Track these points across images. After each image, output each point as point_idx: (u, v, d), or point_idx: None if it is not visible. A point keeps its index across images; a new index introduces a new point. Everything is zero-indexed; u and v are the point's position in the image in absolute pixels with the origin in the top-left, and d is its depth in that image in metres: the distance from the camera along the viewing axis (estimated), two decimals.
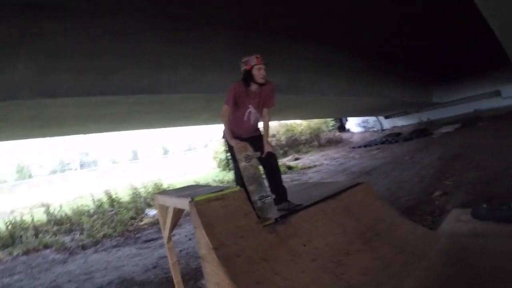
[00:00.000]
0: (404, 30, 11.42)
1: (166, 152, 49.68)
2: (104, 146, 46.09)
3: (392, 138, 20.72)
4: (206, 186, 4.12)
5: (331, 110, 18.67)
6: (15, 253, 7.88)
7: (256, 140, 3.92)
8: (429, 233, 4.20)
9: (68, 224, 10.07)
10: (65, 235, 9.18)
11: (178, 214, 3.72)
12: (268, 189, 3.76)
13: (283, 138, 23.76)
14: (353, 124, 28.47)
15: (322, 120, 26.88)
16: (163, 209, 4.00)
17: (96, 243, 8.01)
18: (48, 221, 10.37)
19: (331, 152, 20.99)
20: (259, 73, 3.77)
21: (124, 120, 10.16)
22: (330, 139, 26.02)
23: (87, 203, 12.09)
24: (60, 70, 5.86)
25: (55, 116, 7.71)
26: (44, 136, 11.34)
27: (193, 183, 12.88)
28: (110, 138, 42.06)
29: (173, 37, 7.26)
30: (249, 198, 3.40)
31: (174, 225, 3.88)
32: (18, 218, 10.20)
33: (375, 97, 15.72)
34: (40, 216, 10.79)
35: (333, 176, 12.00)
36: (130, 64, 6.75)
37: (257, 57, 3.80)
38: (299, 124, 25.96)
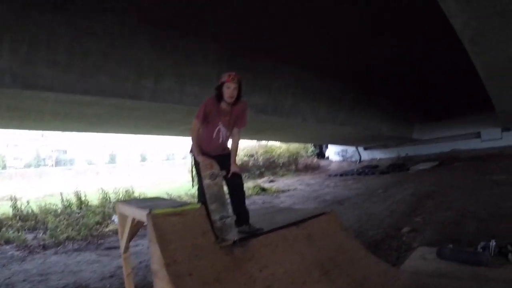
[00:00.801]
0: (391, 65, 11.74)
1: (144, 159, 49.41)
2: (82, 146, 45.69)
3: (369, 170, 21.02)
4: (171, 200, 4.05)
5: (312, 135, 18.89)
6: None
7: (224, 159, 3.79)
8: (391, 269, 4.16)
9: (33, 221, 9.90)
10: (29, 232, 9.03)
11: (138, 225, 3.63)
12: (230, 210, 3.66)
13: (260, 159, 23.99)
14: (332, 152, 28.78)
15: (302, 145, 27.28)
16: (123, 218, 3.91)
17: (58, 244, 7.83)
18: (14, 216, 10.20)
19: (307, 178, 21.17)
20: (227, 91, 3.66)
21: (104, 122, 10.18)
22: (307, 164, 26.33)
23: (57, 201, 11.85)
24: (42, 64, 5.90)
25: (34, 109, 7.67)
26: (21, 128, 11.24)
27: (165, 194, 12.78)
28: (90, 139, 41.72)
29: (159, 46, 7.34)
30: (209, 216, 3.33)
31: (133, 235, 3.79)
32: None
33: (355, 128, 15.96)
34: (6, 209, 10.67)
35: (305, 202, 12.01)
36: (114, 67, 6.81)
37: (229, 75, 3.69)
38: (279, 147, 26.38)
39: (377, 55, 10.97)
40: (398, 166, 20.96)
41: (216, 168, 3.57)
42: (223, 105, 3.75)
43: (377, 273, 3.90)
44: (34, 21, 5.64)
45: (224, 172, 3.66)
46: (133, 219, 3.58)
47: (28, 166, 40.77)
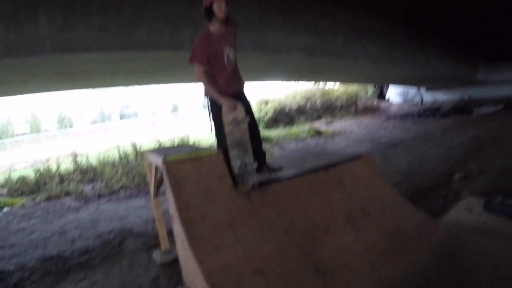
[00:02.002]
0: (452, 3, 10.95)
1: (205, 106, 50.47)
2: (145, 98, 47.06)
3: (430, 112, 20.09)
4: (196, 147, 4.07)
5: (366, 76, 18.20)
6: (38, 199, 8.16)
7: (242, 95, 3.68)
8: (429, 221, 3.86)
9: (92, 174, 10.35)
10: (87, 184, 9.48)
11: (160, 172, 3.65)
12: (252, 156, 3.48)
13: (318, 101, 23.34)
14: (393, 93, 27.78)
15: (361, 86, 26.68)
16: (150, 166, 3.97)
17: (112, 193, 8.22)
18: (74, 170, 10.65)
19: (366, 120, 20.69)
20: (219, 9, 3.42)
21: (151, 74, 10.40)
22: (367, 106, 25.65)
23: (116, 154, 12.34)
24: (78, 27, 6.13)
25: (79, 70, 8.00)
26: (74, 88, 11.73)
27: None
28: (152, 91, 42.85)
29: None
30: (228, 162, 3.27)
31: (160, 183, 3.83)
32: (51, 166, 10.65)
33: (412, 68, 15.29)
34: (69, 164, 11.19)
35: (359, 145, 11.78)
36: (150, 21, 6.89)
37: None
38: (337, 89, 25.72)
39: None
40: (460, 109, 19.83)
41: (239, 111, 3.42)
42: (216, 27, 3.53)
43: (412, 225, 3.62)
44: None
45: (248, 118, 3.47)
46: (156, 167, 3.60)
47: (94, 122, 42.84)
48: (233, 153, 3.34)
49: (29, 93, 10.45)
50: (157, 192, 4.06)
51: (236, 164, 3.32)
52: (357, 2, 10.25)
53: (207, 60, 3.48)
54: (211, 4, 3.43)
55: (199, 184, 2.91)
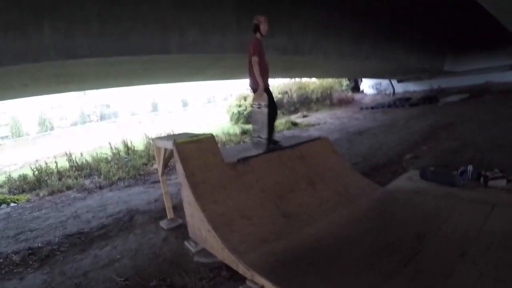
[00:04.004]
0: None
1: (185, 104, 50.58)
2: (124, 99, 47.11)
3: (400, 102, 21.25)
4: (193, 133, 5.17)
5: (339, 70, 19.12)
6: (41, 194, 8.96)
7: (269, 90, 5.31)
8: (371, 185, 5.15)
9: (88, 170, 11.22)
10: (85, 178, 10.29)
11: (170, 154, 4.73)
12: (266, 133, 5.07)
13: (295, 95, 24.33)
14: (367, 85, 28.83)
15: (336, 79, 27.47)
16: (158, 149, 5.06)
17: (111, 184, 9.14)
18: (70, 167, 11.49)
19: (339, 112, 21.72)
20: (266, 28, 5.33)
21: (140, 76, 11.18)
22: (342, 99, 26.56)
23: (106, 151, 13.21)
24: (79, 35, 6.81)
25: (77, 73, 8.72)
26: (68, 90, 12.38)
27: None
28: (131, 91, 43.04)
29: (180, 2, 8.06)
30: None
31: (166, 162, 4.95)
32: (43, 166, 11.33)
33: (381, 61, 16.08)
34: (63, 163, 11.93)
35: (330, 134, 12.71)
36: (142, 28, 7.63)
37: (264, 17, 5.32)
38: (312, 83, 26.55)
39: None
40: (429, 99, 20.91)
41: (264, 99, 5.03)
42: (260, 39, 5.32)
43: (357, 188, 4.92)
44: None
45: (267, 105, 5.07)
46: (165, 149, 4.71)
47: (74, 124, 42.73)
48: (254, 127, 5.16)
49: (27, 96, 10.96)
50: (164, 170, 5.14)
51: (254, 135, 5.06)
52: (327, 2, 11.14)
53: (261, 56, 5.12)
54: (260, 23, 5.27)
55: (199, 158, 4.08)
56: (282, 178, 4.49)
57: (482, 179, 4.97)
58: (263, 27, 5.31)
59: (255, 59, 5.03)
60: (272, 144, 5.24)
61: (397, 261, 3.02)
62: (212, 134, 4.51)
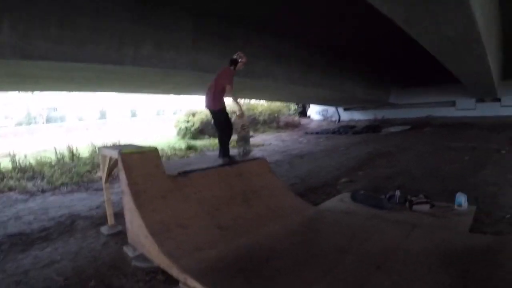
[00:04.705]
0: (366, 31, 12.50)
1: (134, 115, 49.96)
2: (73, 103, 45.87)
3: (344, 129, 22.02)
4: (138, 145, 5.49)
5: (287, 95, 19.79)
6: None
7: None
8: (304, 204, 5.62)
9: (31, 172, 10.93)
10: (28, 181, 10.04)
11: (114, 163, 4.97)
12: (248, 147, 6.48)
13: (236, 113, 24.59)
14: (314, 111, 29.90)
15: (284, 103, 28.15)
16: (104, 158, 5.28)
17: (54, 188, 9.05)
18: (13, 168, 11.19)
19: (285, 135, 22.35)
20: (242, 65, 6.17)
21: (92, 83, 11.31)
22: (288, 122, 27.36)
23: (51, 155, 12.97)
24: (37, 37, 6.92)
25: (31, 75, 8.74)
26: (18, 90, 12.35)
27: None
28: (80, 96, 42.04)
29: (138, 18, 8.35)
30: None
31: (111, 170, 5.18)
32: None
33: (328, 89, 16.88)
34: (5, 164, 11.68)
35: (272, 155, 13.22)
36: (99, 38, 7.84)
37: (244, 55, 6.16)
38: (261, 105, 27.03)
39: (345, 27, 11.94)
40: (372, 128, 21.83)
41: (246, 120, 6.52)
42: (233, 71, 6.14)
43: (290, 205, 5.37)
44: (30, 1, 6.66)
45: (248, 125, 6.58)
46: (110, 158, 4.96)
47: (19, 124, 41.12)
48: (239, 144, 6.45)
49: None
50: (107, 178, 5.36)
51: (240, 149, 6.32)
52: (281, 31, 11.72)
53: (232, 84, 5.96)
54: (240, 61, 6.09)
55: (142, 169, 4.36)
56: (219, 192, 4.86)
57: (407, 203, 5.42)
58: (240, 65, 6.12)
59: (229, 87, 5.84)
60: (228, 159, 6.07)
61: (318, 271, 3.39)
62: (156, 147, 4.82)
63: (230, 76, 5.97)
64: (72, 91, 14.49)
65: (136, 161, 4.37)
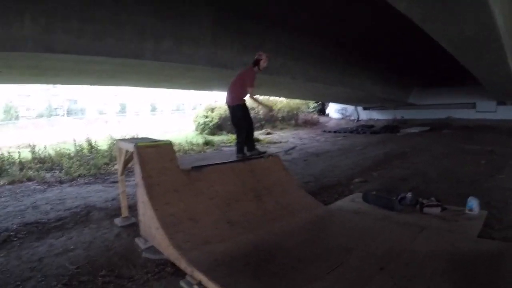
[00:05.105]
0: (385, 29, 12.39)
1: (154, 109, 50.35)
2: (93, 96, 46.42)
3: (362, 129, 21.98)
4: (154, 139, 5.61)
5: (305, 92, 19.86)
6: (1, 183, 9.00)
7: None
8: (314, 202, 5.65)
9: (50, 163, 11.26)
10: (46, 172, 10.33)
11: (130, 156, 5.05)
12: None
13: (261, 112, 24.63)
14: (333, 109, 29.74)
15: (303, 100, 28.17)
16: (120, 150, 5.39)
17: (71, 180, 9.26)
18: (33, 159, 11.53)
19: (303, 132, 22.35)
20: (264, 64, 6.23)
21: (111, 77, 11.48)
22: (307, 120, 27.39)
23: (69, 147, 13.28)
24: (58, 31, 7.06)
25: (51, 67, 8.92)
26: (38, 82, 12.54)
27: None
28: (101, 90, 42.55)
29: (159, 13, 8.43)
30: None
31: (126, 163, 5.28)
32: (5, 155, 11.37)
33: (347, 88, 16.76)
34: (25, 154, 11.98)
35: (288, 153, 13.34)
36: (119, 32, 7.95)
37: (266, 55, 6.21)
38: (280, 101, 27.04)
39: (364, 25, 11.90)
40: (390, 128, 21.75)
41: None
42: (256, 71, 6.19)
43: (301, 203, 5.40)
44: None
45: None
46: (126, 151, 5.06)
47: (40, 116, 41.79)
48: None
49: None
50: (123, 171, 5.47)
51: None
52: (298, 28, 11.71)
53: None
54: (261, 59, 6.13)
55: (157, 162, 4.45)
56: (232, 188, 4.92)
57: (418, 206, 5.41)
58: (263, 63, 6.16)
59: (250, 90, 5.99)
60: (242, 155, 6.13)
61: (322, 269, 3.42)
62: (170, 141, 4.91)
63: (252, 76, 6.03)
64: (91, 84, 14.69)
65: (151, 155, 4.45)
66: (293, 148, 8.78)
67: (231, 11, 9.74)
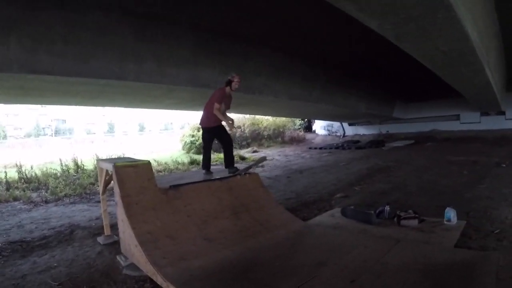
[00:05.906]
0: (367, 46, 12.57)
1: (142, 128, 50.39)
2: (81, 116, 46.40)
3: (347, 144, 22.26)
4: (134, 158, 5.78)
5: (289, 110, 20.04)
6: None
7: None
8: (292, 218, 5.79)
9: (36, 183, 11.35)
10: (33, 191, 10.43)
11: (110, 176, 5.19)
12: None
13: (247, 130, 25.03)
14: (319, 126, 30.03)
15: (289, 118, 28.37)
16: (101, 170, 5.55)
17: (57, 199, 9.36)
18: (19, 179, 11.62)
19: (289, 150, 22.60)
20: (236, 85, 6.53)
21: (96, 97, 11.46)
22: (293, 137, 27.57)
23: (57, 167, 13.34)
24: (43, 53, 7.18)
25: (37, 88, 9.00)
26: (24, 103, 12.55)
27: (153, 161, 14.30)
28: (89, 110, 42.61)
29: (140, 35, 8.57)
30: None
31: (108, 182, 5.42)
32: None
33: (330, 105, 16.98)
34: (12, 174, 12.03)
35: (272, 170, 13.58)
36: (102, 53, 8.07)
37: (238, 75, 6.58)
38: (266, 119, 27.31)
39: (346, 43, 12.08)
40: (376, 143, 22.09)
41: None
42: (228, 91, 6.58)
43: (279, 219, 5.54)
44: (35, 18, 6.90)
45: None
46: (106, 170, 5.21)
47: (28, 135, 41.63)
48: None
49: None
50: (104, 190, 5.61)
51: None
52: (280, 48, 11.91)
53: (220, 103, 6.37)
54: (233, 80, 6.47)
55: (135, 181, 4.60)
56: (209, 206, 5.07)
57: (396, 218, 5.55)
58: (234, 85, 6.51)
59: (216, 106, 6.27)
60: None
61: (294, 283, 3.55)
62: (149, 161, 5.05)
63: (221, 95, 6.37)
64: (77, 105, 14.79)
65: (130, 174, 4.61)
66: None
67: (212, 32, 9.91)
